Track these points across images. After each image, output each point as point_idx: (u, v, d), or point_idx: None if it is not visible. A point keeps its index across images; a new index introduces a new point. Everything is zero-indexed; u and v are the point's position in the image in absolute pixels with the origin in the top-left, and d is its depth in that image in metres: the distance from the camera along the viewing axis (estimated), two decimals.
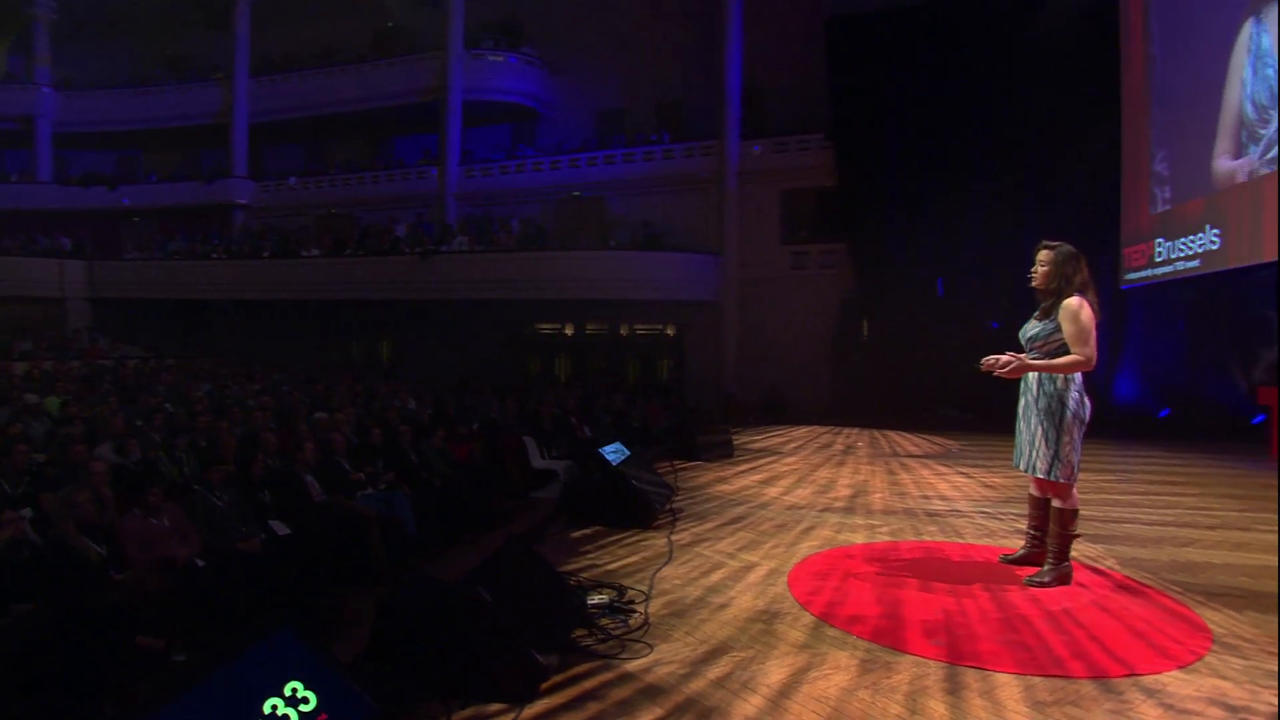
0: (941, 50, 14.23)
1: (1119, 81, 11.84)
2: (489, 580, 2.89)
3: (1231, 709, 2.68)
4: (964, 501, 6.39)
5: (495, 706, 2.66)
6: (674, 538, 5.10)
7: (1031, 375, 4.03)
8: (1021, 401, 4.15)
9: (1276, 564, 4.11)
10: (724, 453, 9.26)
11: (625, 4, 18.44)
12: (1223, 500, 6.46)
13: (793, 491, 6.92)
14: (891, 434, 11.91)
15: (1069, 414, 3.86)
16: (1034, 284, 4.01)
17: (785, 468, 8.45)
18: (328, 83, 19.49)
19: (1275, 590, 4.01)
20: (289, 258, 17.91)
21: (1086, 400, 3.92)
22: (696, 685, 2.86)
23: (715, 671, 2.98)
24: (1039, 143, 13.23)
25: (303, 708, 2.27)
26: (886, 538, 5.13)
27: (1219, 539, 5.10)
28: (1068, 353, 3.84)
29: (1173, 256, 9.82)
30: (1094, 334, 3.81)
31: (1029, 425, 4.04)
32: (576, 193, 18.13)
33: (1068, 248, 3.98)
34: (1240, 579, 4.21)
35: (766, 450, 10.06)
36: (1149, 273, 10.58)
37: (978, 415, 13.41)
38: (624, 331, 18.86)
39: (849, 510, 6.04)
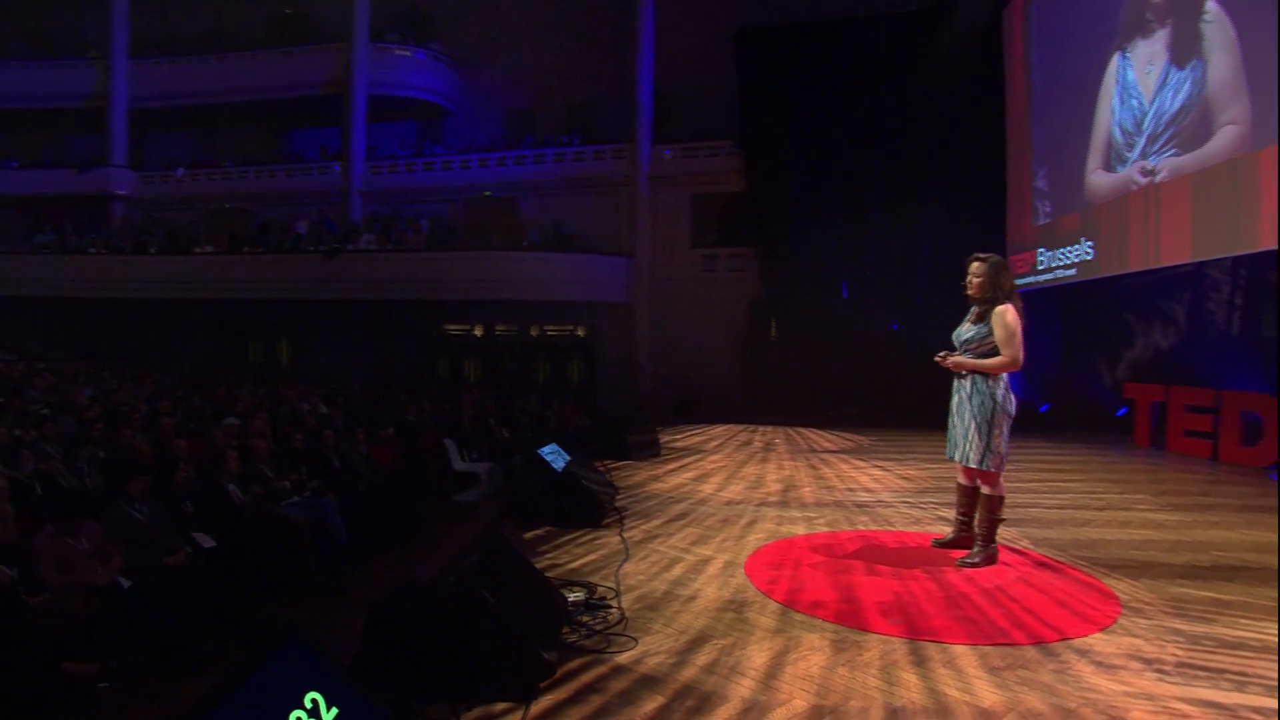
0: (847, 66, 15.04)
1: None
2: (484, 581, 2.92)
3: (1147, 661, 3.09)
4: (886, 493, 6.84)
5: (501, 706, 2.71)
6: (626, 535, 5.23)
7: (964, 373, 4.40)
8: (955, 398, 4.52)
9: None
10: (652, 452, 9.46)
11: (536, 4, 18.38)
12: (1105, 484, 7.21)
13: (726, 488, 7.18)
14: (804, 431, 12.46)
15: (999, 409, 4.25)
16: (969, 292, 4.38)
17: (713, 465, 8.73)
18: (220, 68, 18.34)
19: (1162, 559, 4.58)
20: (180, 254, 16.77)
21: (1012, 397, 4.33)
22: (688, 673, 3.00)
23: (702, 659, 3.13)
24: (935, 156, 14.21)
25: (324, 716, 2.25)
26: (825, 528, 5.45)
27: (1108, 518, 5.72)
28: (999, 354, 4.23)
29: (1053, 265, 10.80)
30: (1021, 338, 4.22)
31: (962, 420, 4.42)
32: (487, 192, 17.93)
33: (997, 258, 4.38)
34: (1131, 552, 4.76)
35: (690, 449, 10.34)
36: (1033, 279, 11.58)
37: (881, 412, 14.23)
38: (534, 332, 18.83)
39: (784, 504, 6.34)
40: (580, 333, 18.65)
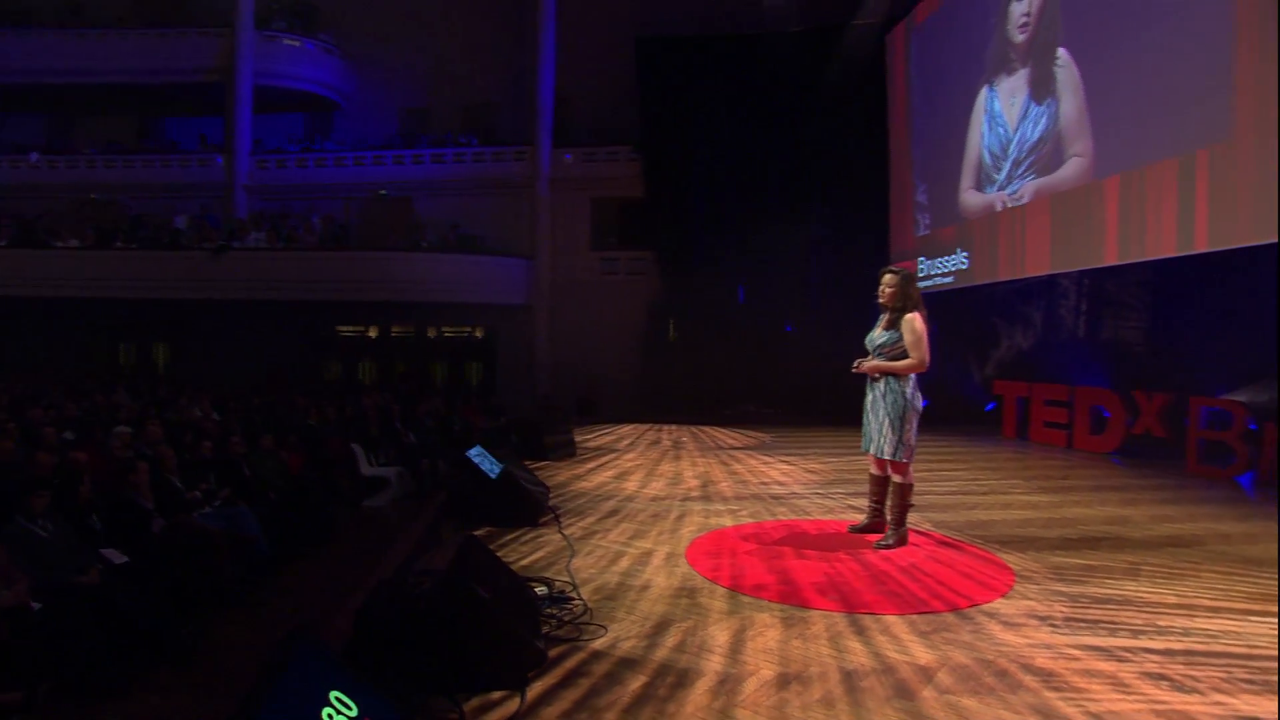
0: (744, 79, 15.76)
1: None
2: (473, 578, 3.07)
3: (1041, 618, 3.65)
4: (797, 485, 7.36)
5: (498, 694, 2.88)
6: (566, 533, 5.43)
7: (878, 375, 4.91)
8: (869, 397, 5.02)
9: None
10: (568, 452, 9.64)
11: (432, 1, 18.07)
12: (984, 472, 8.08)
13: (648, 485, 7.49)
14: (707, 429, 12.98)
15: (909, 406, 4.78)
16: (881, 301, 4.89)
17: (629, 464, 9.03)
18: (80, 47, 16.77)
19: (1040, 534, 5.27)
20: (37, 248, 15.29)
21: (920, 394, 4.88)
22: (661, 654, 3.27)
23: (670, 641, 3.41)
24: (825, 167, 15.15)
25: (348, 713, 2.35)
26: (750, 519, 5.86)
27: (992, 502, 6.47)
28: (907, 357, 4.76)
29: (933, 273, 11.84)
30: (927, 342, 4.76)
31: (876, 416, 4.92)
32: (383, 191, 17.46)
33: (907, 271, 4.92)
34: (1015, 530, 5.45)
35: (603, 448, 10.59)
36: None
37: (776, 409, 15.01)
38: (432, 334, 18.54)
39: (706, 499, 6.72)
40: (478, 334, 18.53)
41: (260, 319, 15.78)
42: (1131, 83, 8.06)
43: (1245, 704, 2.76)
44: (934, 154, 12.29)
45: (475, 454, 6.77)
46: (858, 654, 3.23)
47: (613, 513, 6.15)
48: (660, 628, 3.57)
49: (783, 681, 2.98)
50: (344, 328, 17.94)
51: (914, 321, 4.75)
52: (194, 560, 4.96)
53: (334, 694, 2.36)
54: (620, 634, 3.50)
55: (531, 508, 5.75)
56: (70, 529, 4.86)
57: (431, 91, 18.63)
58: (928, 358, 4.75)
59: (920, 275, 12.37)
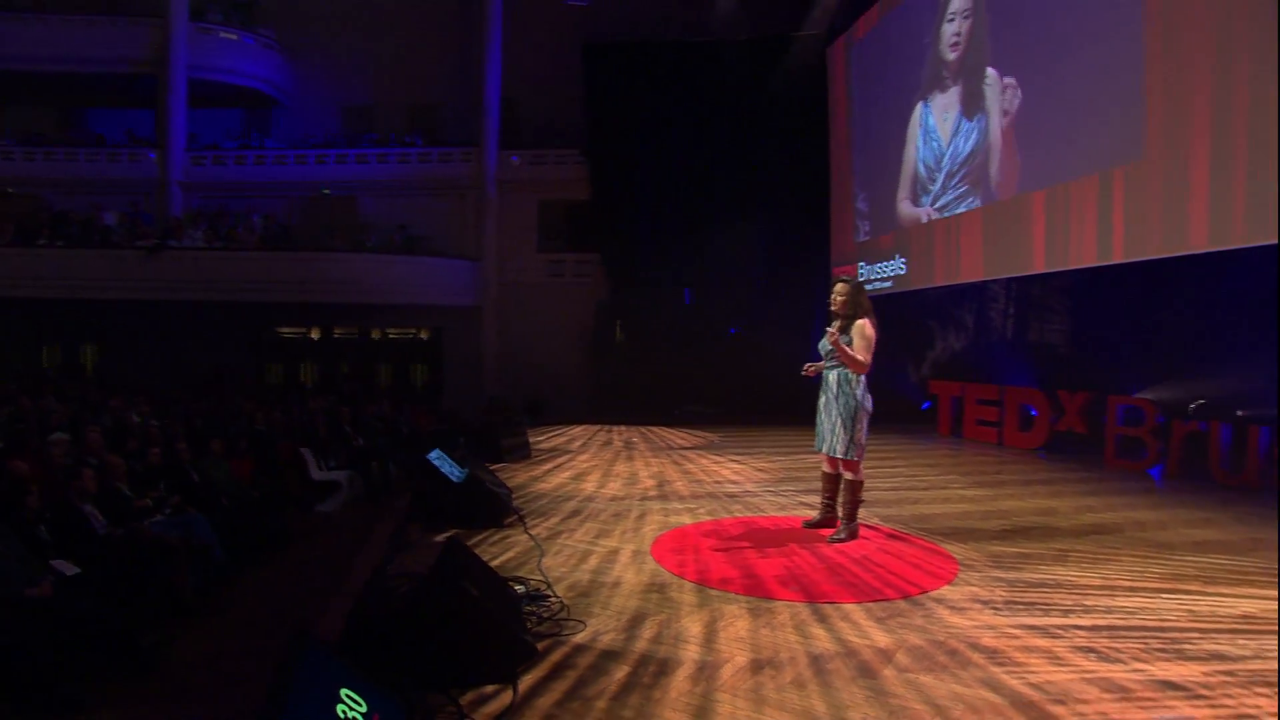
0: (690, 86, 16.06)
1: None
2: (463, 576, 3.20)
3: (984, 602, 3.99)
4: (749, 483, 7.65)
5: (491, 688, 3.02)
6: (533, 533, 5.56)
7: (831, 377, 5.21)
8: (822, 399, 5.32)
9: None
10: (523, 454, 9.73)
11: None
12: (923, 468, 8.53)
13: (606, 485, 7.67)
14: (656, 429, 13.22)
15: (860, 407, 5.10)
16: (833, 309, 5.19)
17: (584, 465, 9.18)
18: None
19: (978, 526, 5.66)
20: None
21: (870, 396, 5.19)
22: (640, 645, 3.46)
23: (647, 633, 3.61)
24: (769, 173, 15.57)
25: (359, 709, 2.46)
26: (708, 517, 6.10)
27: (933, 496, 6.88)
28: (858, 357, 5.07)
29: (873, 278, 12.36)
30: (874, 347, 5.08)
31: (829, 417, 5.22)
32: (326, 190, 17.13)
33: (857, 281, 5.26)
34: (955, 522, 5.84)
35: (556, 450, 10.71)
36: None
37: (722, 410, 15.36)
38: (376, 335, 18.30)
39: (664, 498, 6.94)
40: (424, 335, 18.38)
41: (197, 320, 15.31)
42: (1055, 103, 8.63)
43: (1160, 670, 3.13)
44: (873, 164, 12.82)
45: (435, 457, 6.83)
46: (822, 640, 3.49)
47: (575, 513, 6.31)
48: (636, 621, 3.76)
49: (756, 667, 3.20)
50: (285, 329, 17.54)
51: (865, 327, 5.06)
52: (150, 570, 4.92)
53: (344, 691, 2.46)
54: (599, 628, 3.67)
55: (497, 509, 5.86)
56: (17, 541, 4.74)
57: (375, 90, 18.36)
58: (870, 361, 5.07)
59: (860, 279, 12.88)
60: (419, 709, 2.84)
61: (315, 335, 17.96)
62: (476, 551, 5.16)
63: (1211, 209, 6.77)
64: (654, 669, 3.20)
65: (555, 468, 8.96)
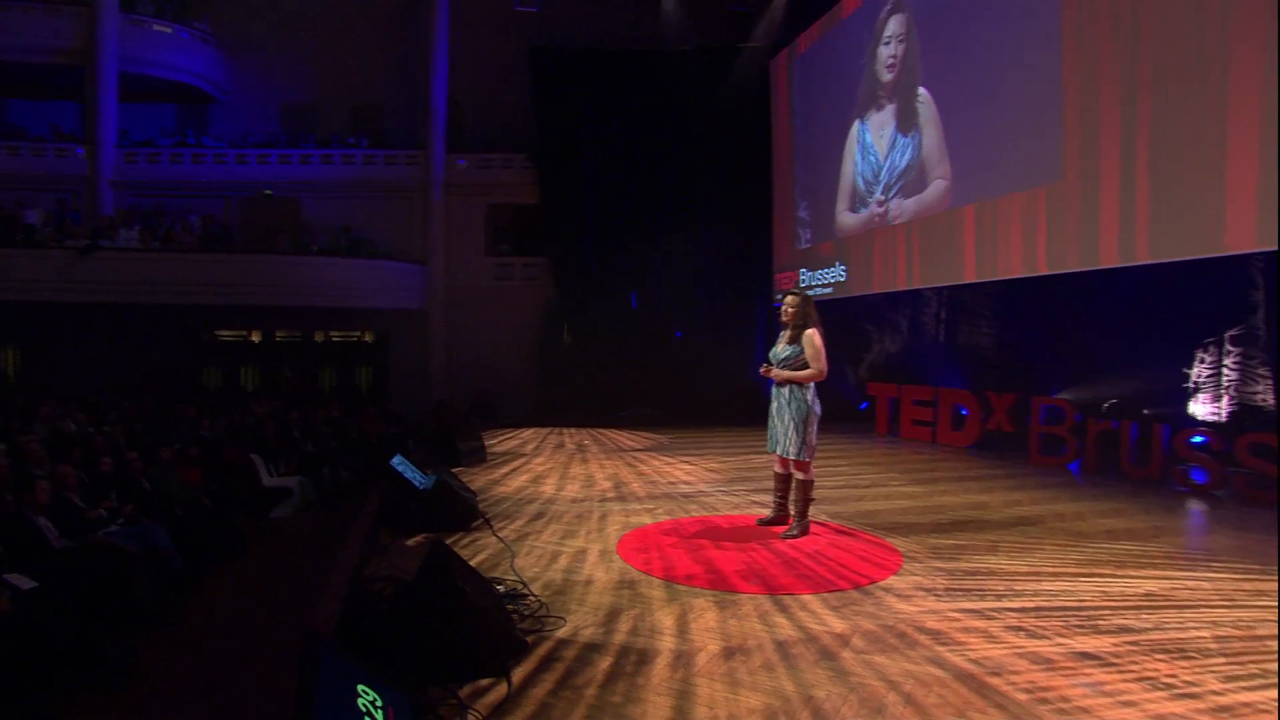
0: (636, 93, 16.38)
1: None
2: (454, 576, 3.39)
3: (927, 590, 4.38)
4: (702, 484, 7.98)
5: (485, 681, 3.23)
6: (501, 535, 5.75)
7: (783, 382, 5.56)
8: (774, 403, 5.66)
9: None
10: (479, 458, 9.85)
11: None
12: (864, 467, 9.02)
13: (565, 488, 7.89)
14: (606, 432, 13.47)
15: (811, 410, 5.46)
16: (784, 319, 5.55)
17: (540, 467, 9.37)
18: None
19: (918, 520, 6.11)
20: None
21: (819, 400, 5.57)
22: (619, 638, 3.72)
23: (625, 626, 3.87)
24: (714, 181, 16.02)
25: (376, 703, 2.64)
26: (667, 516, 6.39)
27: (876, 493, 7.34)
28: (809, 368, 5.43)
29: (814, 284, 12.89)
30: (825, 354, 5.45)
31: (782, 420, 5.57)
32: (268, 190, 16.78)
33: (806, 292, 5.61)
34: (897, 517, 6.28)
35: (510, 453, 10.85)
36: None
37: (668, 412, 15.71)
38: (319, 338, 18.03)
39: (622, 499, 7.21)
40: (369, 338, 18.20)
41: (130, 323, 14.83)
42: (983, 125, 9.26)
43: (1079, 643, 3.56)
44: (814, 174, 13.37)
45: (397, 462, 6.94)
46: (785, 628, 3.81)
47: (539, 515, 6.52)
48: (612, 616, 4.01)
49: (728, 654, 3.50)
50: (224, 332, 17.12)
51: (814, 337, 5.42)
52: (108, 581, 4.92)
53: (360, 686, 2.64)
54: (579, 623, 3.91)
55: (464, 513, 6.02)
56: None
57: (316, 88, 18.05)
58: (826, 368, 5.44)
59: (802, 286, 13.41)
60: (420, 703, 3.03)
61: (256, 338, 17.59)
62: None
63: (1122, 228, 7.42)
64: (635, 659, 3.46)
65: (512, 471, 9.12)
